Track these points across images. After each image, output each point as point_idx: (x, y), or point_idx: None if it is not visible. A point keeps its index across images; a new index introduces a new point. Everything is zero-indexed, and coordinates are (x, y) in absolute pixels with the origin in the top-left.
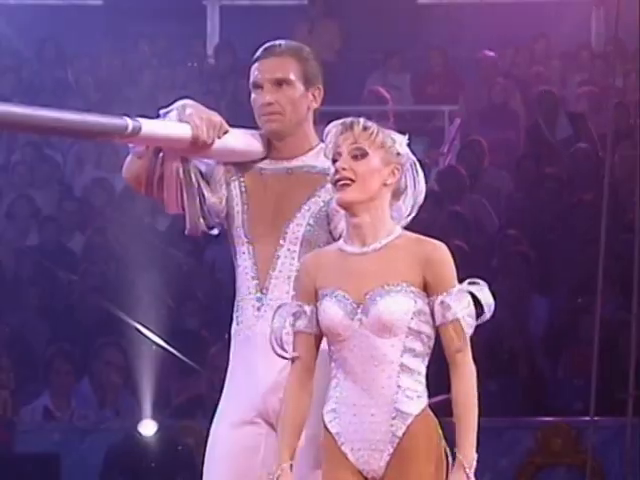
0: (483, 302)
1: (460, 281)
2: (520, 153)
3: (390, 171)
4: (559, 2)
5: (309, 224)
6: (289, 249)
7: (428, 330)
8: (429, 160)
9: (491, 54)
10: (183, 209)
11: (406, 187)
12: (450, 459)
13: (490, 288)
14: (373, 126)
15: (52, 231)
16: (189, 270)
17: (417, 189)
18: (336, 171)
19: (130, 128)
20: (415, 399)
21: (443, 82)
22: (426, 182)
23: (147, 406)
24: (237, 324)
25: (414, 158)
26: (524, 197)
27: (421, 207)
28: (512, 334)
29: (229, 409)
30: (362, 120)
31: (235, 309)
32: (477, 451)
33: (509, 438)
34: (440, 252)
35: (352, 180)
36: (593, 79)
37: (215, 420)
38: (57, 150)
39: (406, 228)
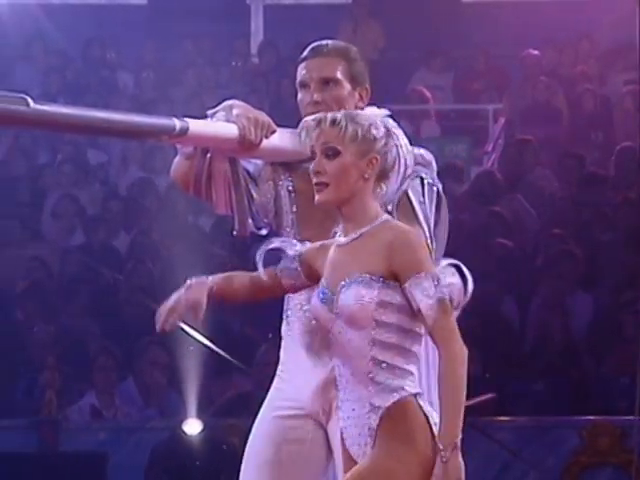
0: (449, 284)
1: (505, 279)
2: (564, 151)
3: (368, 162)
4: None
5: None
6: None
7: (400, 321)
8: (472, 159)
9: (535, 52)
10: (232, 210)
11: (393, 165)
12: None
13: (535, 287)
14: (342, 120)
15: (97, 231)
16: (233, 269)
17: (404, 163)
18: (312, 172)
19: (178, 128)
20: (388, 393)
21: (486, 81)
22: (466, 181)
23: (192, 405)
24: (287, 324)
25: (397, 132)
26: (568, 196)
27: (462, 206)
28: (557, 333)
29: (277, 402)
30: (330, 116)
31: (284, 309)
32: (517, 448)
33: (555, 437)
34: (402, 238)
35: (326, 183)
36: (638, 77)
37: (262, 409)
38: (102, 150)
39: (451, 229)
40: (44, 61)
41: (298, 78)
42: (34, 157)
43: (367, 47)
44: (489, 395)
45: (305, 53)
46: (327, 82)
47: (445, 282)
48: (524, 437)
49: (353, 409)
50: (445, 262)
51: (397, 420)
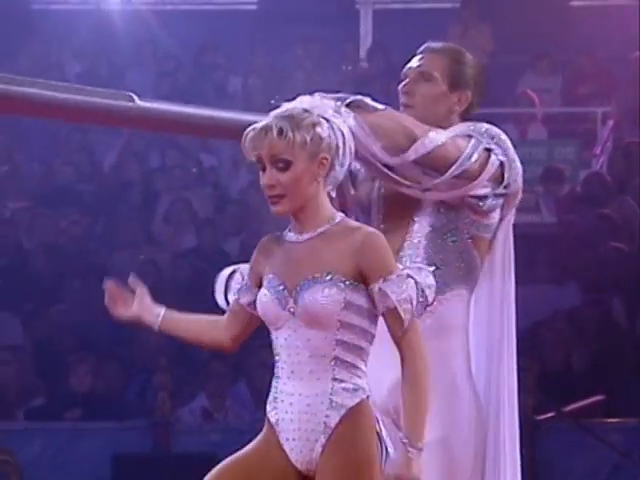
0: (423, 285)
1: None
2: None
3: (319, 164)
4: None
5: (434, 218)
6: (416, 241)
7: (362, 323)
8: (581, 162)
9: None
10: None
11: (337, 152)
12: (384, 451)
13: None
14: (288, 129)
15: (209, 234)
16: None
17: (347, 145)
18: (264, 187)
19: None
20: (351, 392)
21: (594, 83)
22: (575, 183)
23: None
24: None
25: (335, 120)
26: None
27: (571, 209)
28: None
29: None
30: (276, 125)
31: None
32: (627, 449)
33: None
34: (371, 239)
35: (282, 195)
36: None
37: None
38: (213, 154)
39: (556, 229)
40: (155, 66)
41: (403, 69)
42: (146, 161)
43: (476, 51)
44: (598, 397)
45: (421, 48)
46: (423, 76)
47: (426, 283)
48: (634, 439)
49: (308, 404)
50: (414, 264)
51: (355, 421)
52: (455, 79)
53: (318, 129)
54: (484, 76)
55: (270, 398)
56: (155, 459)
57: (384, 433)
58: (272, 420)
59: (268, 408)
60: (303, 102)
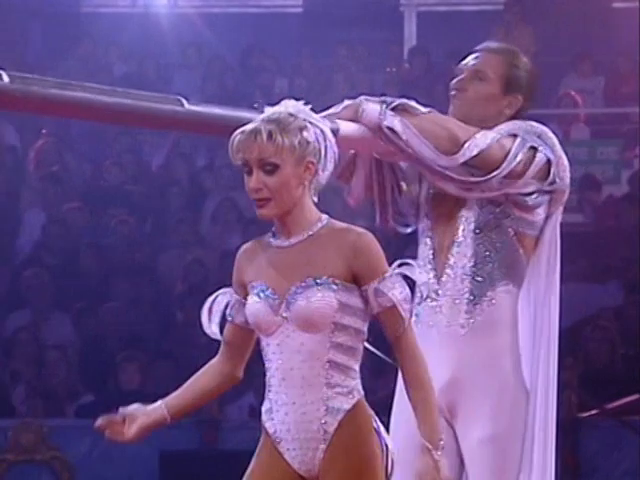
0: (417, 283)
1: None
2: None
3: (305, 168)
4: None
5: (480, 215)
6: (463, 238)
7: (356, 324)
8: (623, 162)
9: None
10: (360, 203)
11: (321, 156)
12: (385, 451)
13: None
14: (277, 133)
15: (255, 233)
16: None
17: (330, 148)
18: (251, 190)
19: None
20: (346, 395)
21: (636, 84)
22: (617, 183)
23: None
24: (415, 315)
25: (317, 122)
26: None
27: (612, 209)
28: None
29: (404, 400)
30: (263, 128)
31: (415, 301)
32: None
33: None
34: (364, 240)
35: (269, 198)
36: None
37: (393, 409)
38: None
39: (598, 228)
40: (202, 68)
41: (458, 65)
42: (193, 161)
43: None
44: (636, 396)
45: (479, 46)
46: (478, 75)
47: (420, 281)
48: None
49: (303, 413)
50: (402, 263)
51: (354, 423)
52: (509, 82)
53: (305, 133)
54: (537, 81)
55: (264, 408)
56: (202, 456)
57: (382, 429)
58: (269, 431)
59: (264, 418)
60: (288, 106)
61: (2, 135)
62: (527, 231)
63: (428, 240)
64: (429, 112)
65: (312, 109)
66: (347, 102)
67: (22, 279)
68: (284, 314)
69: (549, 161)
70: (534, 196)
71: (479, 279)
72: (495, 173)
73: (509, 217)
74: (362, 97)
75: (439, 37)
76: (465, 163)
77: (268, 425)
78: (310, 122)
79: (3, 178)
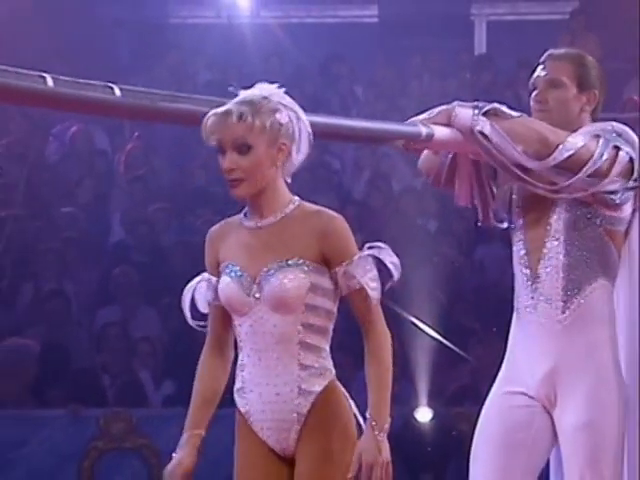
0: (387, 262)
1: None
2: None
3: (277, 150)
4: None
5: (569, 214)
6: (555, 236)
7: (326, 304)
8: None
9: None
10: (472, 203)
11: (295, 140)
12: (359, 430)
13: None
14: (248, 114)
15: None
16: (459, 267)
17: (305, 134)
18: (224, 170)
19: (424, 134)
20: (318, 376)
21: None
22: None
23: (423, 394)
24: (516, 311)
25: (292, 106)
26: None
27: None
28: None
29: (505, 387)
30: (235, 110)
31: (515, 306)
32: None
33: None
34: (335, 223)
35: (242, 179)
36: None
37: (491, 394)
38: (335, 156)
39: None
40: (282, 76)
41: (531, 80)
42: None
43: None
44: None
45: (542, 57)
46: (553, 83)
47: (389, 260)
48: None
49: (277, 394)
50: (372, 245)
51: (327, 404)
52: (582, 81)
53: (277, 115)
54: (605, 74)
55: (236, 387)
56: None
57: (355, 409)
58: (242, 410)
59: (236, 398)
60: (262, 89)
61: (93, 140)
62: (616, 227)
63: (521, 239)
64: (520, 116)
65: (389, 113)
66: (441, 107)
67: (111, 277)
68: (257, 295)
69: (631, 159)
70: (620, 194)
71: (573, 276)
72: (581, 173)
73: (598, 216)
74: (455, 102)
75: (508, 45)
76: (555, 166)
77: (241, 404)
78: (283, 105)
79: (94, 181)
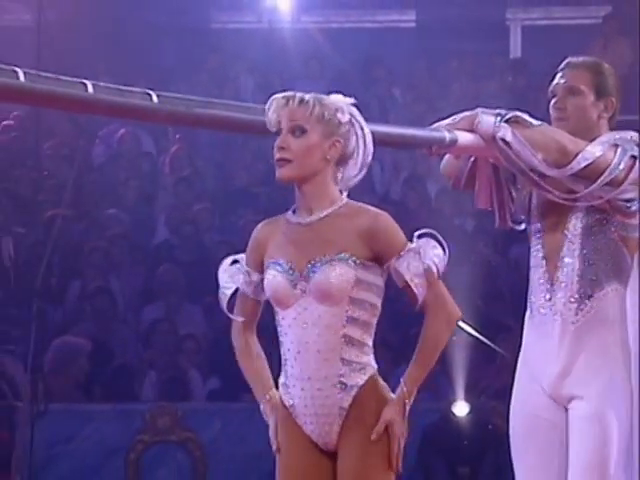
0: (427, 259)
1: None
2: None
3: (331, 144)
4: None
5: (585, 219)
6: (571, 241)
7: (371, 298)
8: None
9: None
10: (491, 206)
11: (352, 152)
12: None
13: None
14: (310, 100)
15: None
16: (496, 266)
17: (363, 152)
18: (276, 148)
19: (448, 140)
20: (359, 371)
21: None
22: None
23: (460, 389)
24: (530, 311)
25: (361, 121)
26: None
27: None
28: None
29: (525, 385)
30: (299, 95)
31: (529, 296)
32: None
33: None
34: (380, 220)
35: (289, 160)
36: None
37: (514, 390)
38: (375, 159)
39: None
40: (322, 79)
41: (550, 87)
42: None
43: (617, 62)
44: None
45: (561, 66)
46: (571, 91)
47: (431, 254)
48: None
49: (319, 388)
50: (420, 234)
51: (368, 398)
52: (600, 88)
53: (339, 114)
54: (620, 82)
55: (281, 381)
56: None
57: None
58: (286, 404)
59: (281, 391)
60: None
61: (139, 143)
62: (630, 234)
63: (539, 243)
64: (540, 125)
65: (427, 115)
66: (465, 113)
67: (156, 275)
68: (302, 288)
69: None
70: (636, 202)
71: (587, 280)
72: (598, 182)
73: (613, 223)
74: (479, 109)
75: (542, 49)
76: (574, 174)
77: (285, 398)
78: (354, 118)
79: (140, 182)
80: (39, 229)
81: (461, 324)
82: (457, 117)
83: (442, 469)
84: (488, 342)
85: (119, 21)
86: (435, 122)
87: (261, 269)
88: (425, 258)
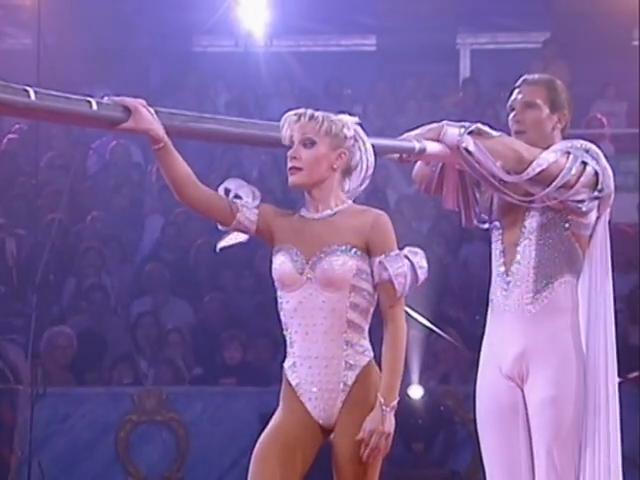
0: (417, 266)
1: None
2: None
3: (337, 155)
4: None
5: (541, 218)
6: (528, 237)
7: (369, 287)
8: None
9: None
10: (458, 207)
11: (356, 164)
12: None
13: None
14: (320, 116)
15: None
16: (448, 264)
17: (366, 165)
18: (289, 158)
19: (417, 149)
20: (361, 353)
21: None
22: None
23: (415, 374)
24: (491, 302)
25: (364, 137)
26: None
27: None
28: None
29: (487, 368)
30: (309, 112)
31: (491, 287)
32: None
33: None
34: (381, 220)
35: (300, 168)
36: None
37: (478, 377)
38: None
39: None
40: (292, 97)
41: (509, 102)
42: (285, 173)
43: None
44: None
45: (517, 83)
46: (529, 105)
47: (419, 264)
48: None
49: (326, 366)
50: (410, 248)
51: (369, 379)
52: (554, 103)
53: (345, 129)
54: (572, 97)
55: (288, 363)
56: None
57: None
58: (292, 383)
59: (288, 372)
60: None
61: (129, 154)
62: (582, 231)
63: (499, 239)
64: (500, 135)
65: (386, 130)
66: (432, 125)
67: (144, 272)
68: (309, 275)
69: (597, 172)
70: (586, 203)
71: (542, 272)
72: (552, 186)
73: (567, 221)
74: (444, 121)
75: (489, 70)
76: (529, 179)
77: (292, 378)
78: (358, 135)
79: (129, 190)
80: (39, 231)
81: (416, 316)
82: (425, 128)
83: (399, 445)
84: (440, 332)
85: (111, 45)
86: (393, 136)
87: (262, 224)
88: (408, 265)
